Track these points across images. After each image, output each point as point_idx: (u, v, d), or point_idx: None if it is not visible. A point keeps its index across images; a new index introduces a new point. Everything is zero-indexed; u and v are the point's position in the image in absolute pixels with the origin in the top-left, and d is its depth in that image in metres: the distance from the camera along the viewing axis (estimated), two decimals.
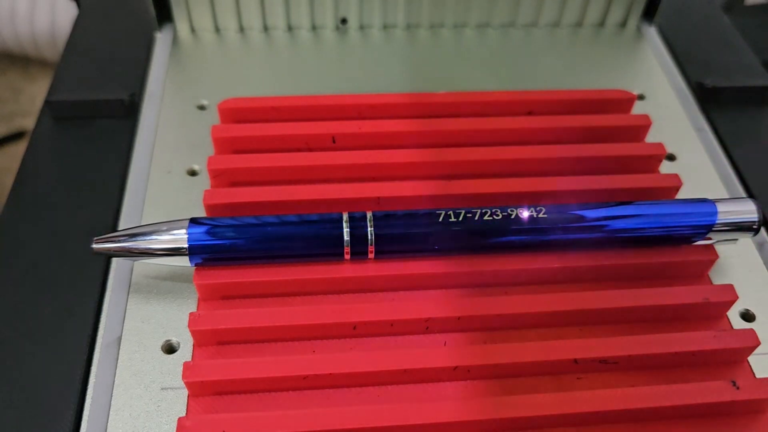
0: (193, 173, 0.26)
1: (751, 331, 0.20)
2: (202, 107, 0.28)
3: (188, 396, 0.19)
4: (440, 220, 0.21)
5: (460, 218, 0.21)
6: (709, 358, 0.20)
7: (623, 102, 0.28)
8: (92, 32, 0.31)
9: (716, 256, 0.22)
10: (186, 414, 0.19)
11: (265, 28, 0.32)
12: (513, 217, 0.22)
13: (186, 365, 0.19)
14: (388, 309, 0.20)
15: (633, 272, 0.22)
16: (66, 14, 0.68)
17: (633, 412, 0.19)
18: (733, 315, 0.22)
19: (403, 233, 0.21)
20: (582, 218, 0.22)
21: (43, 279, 0.22)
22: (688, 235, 0.22)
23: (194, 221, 0.21)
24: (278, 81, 0.30)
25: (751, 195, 0.26)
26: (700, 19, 0.34)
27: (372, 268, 0.21)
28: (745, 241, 0.24)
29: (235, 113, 0.26)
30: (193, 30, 0.32)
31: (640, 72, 0.31)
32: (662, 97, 0.30)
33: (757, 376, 0.21)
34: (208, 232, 0.21)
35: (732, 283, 0.22)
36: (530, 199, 0.24)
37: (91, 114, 0.27)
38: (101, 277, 0.22)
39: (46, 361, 0.20)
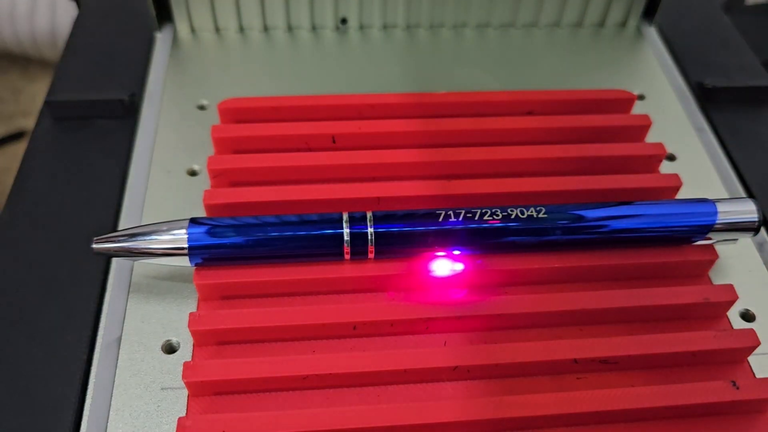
0: (193, 173, 0.26)
1: (751, 331, 0.20)
2: (202, 107, 0.28)
3: (188, 396, 0.19)
4: (440, 220, 0.21)
5: (460, 218, 0.21)
6: (709, 358, 0.20)
7: (623, 102, 0.28)
8: (92, 32, 0.31)
9: (716, 256, 0.22)
10: (186, 414, 0.19)
11: (265, 28, 0.32)
12: (513, 217, 0.22)
13: (186, 365, 0.19)
14: (388, 309, 0.20)
15: (633, 272, 0.22)
16: (66, 14, 0.68)
17: (633, 412, 0.19)
18: (733, 315, 0.22)
19: (403, 233, 0.21)
20: (582, 218, 0.22)
21: (43, 279, 0.22)
22: (688, 235, 0.22)
23: (194, 221, 0.21)
24: (278, 81, 0.30)
25: (751, 195, 0.26)
26: (700, 19, 0.34)
27: (372, 268, 0.21)
28: (745, 241, 0.24)
29: (235, 113, 0.26)
30: (193, 30, 0.32)
31: (640, 72, 0.31)
32: (662, 97, 0.30)
33: (757, 376, 0.21)
34: (208, 232, 0.21)
35: (732, 283, 0.22)
36: (530, 199, 0.24)
37: (91, 114, 0.27)
38: (101, 277, 0.22)
39: (46, 361, 0.20)
